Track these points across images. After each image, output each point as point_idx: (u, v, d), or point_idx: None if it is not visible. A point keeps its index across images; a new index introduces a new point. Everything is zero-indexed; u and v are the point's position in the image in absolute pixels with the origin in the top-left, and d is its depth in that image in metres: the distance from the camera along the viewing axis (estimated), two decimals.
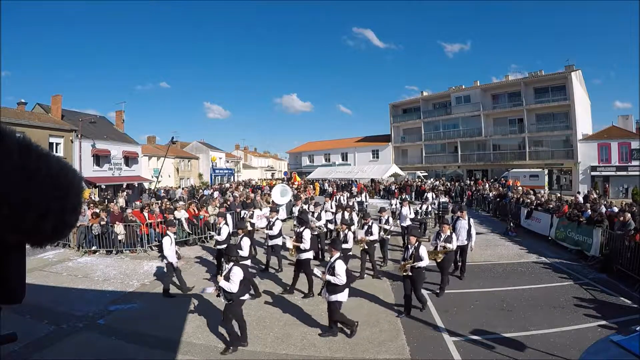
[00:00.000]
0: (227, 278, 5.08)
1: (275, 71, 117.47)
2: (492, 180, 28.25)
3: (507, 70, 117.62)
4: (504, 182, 24.89)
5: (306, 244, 7.31)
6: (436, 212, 14.28)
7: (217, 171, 43.70)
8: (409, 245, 6.34)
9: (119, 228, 11.23)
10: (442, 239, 7.30)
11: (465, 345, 5.20)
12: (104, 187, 25.87)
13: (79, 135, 24.56)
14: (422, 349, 5.19)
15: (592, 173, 27.76)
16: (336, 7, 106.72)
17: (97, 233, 11.28)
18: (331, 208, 12.16)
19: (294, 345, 5.37)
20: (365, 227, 8.57)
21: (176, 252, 7.45)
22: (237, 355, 5.14)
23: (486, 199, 20.12)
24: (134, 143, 30.97)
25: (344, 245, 7.56)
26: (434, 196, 16.39)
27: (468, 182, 27.41)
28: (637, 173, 24.94)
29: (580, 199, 15.95)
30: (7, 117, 20.08)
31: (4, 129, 0.49)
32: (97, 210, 12.43)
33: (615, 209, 11.31)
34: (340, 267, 5.27)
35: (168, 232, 7.57)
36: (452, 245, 7.27)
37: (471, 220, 8.44)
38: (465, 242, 8.29)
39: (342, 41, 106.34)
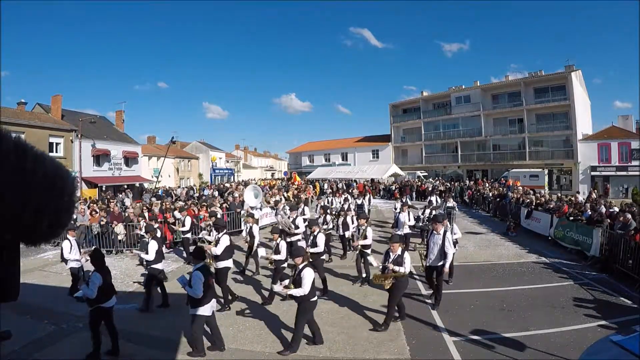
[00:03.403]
0: (87, 283, 4.89)
1: (273, 71, 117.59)
2: (492, 180, 28.26)
3: (506, 70, 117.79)
4: (504, 182, 24.89)
5: (218, 250, 6.77)
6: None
7: (217, 171, 43.73)
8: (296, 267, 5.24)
9: (119, 228, 11.24)
10: (390, 259, 5.88)
11: (465, 345, 5.20)
12: (105, 187, 25.88)
13: (79, 135, 24.56)
14: (422, 349, 5.19)
15: (592, 173, 27.76)
16: (332, 6, 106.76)
17: (96, 232, 11.31)
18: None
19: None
20: (311, 237, 7.43)
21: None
22: (237, 355, 5.14)
23: (486, 199, 20.13)
24: (134, 143, 30.96)
25: (276, 257, 6.79)
26: (438, 199, 14.81)
27: (467, 182, 27.42)
28: (637, 173, 24.95)
29: (580, 198, 15.94)
30: (7, 117, 20.07)
31: (1, 131, 0.49)
32: (97, 209, 12.46)
33: (616, 209, 11.30)
34: (196, 278, 4.80)
35: (68, 236, 7.35)
36: (404, 269, 5.74)
37: (449, 235, 6.63)
38: (439, 263, 6.51)
39: (340, 41, 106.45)
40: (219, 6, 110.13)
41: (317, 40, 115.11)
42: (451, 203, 14.02)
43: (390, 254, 5.95)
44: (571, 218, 11.16)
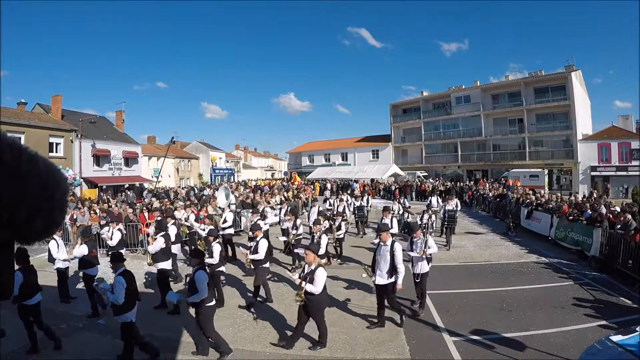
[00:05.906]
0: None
1: (272, 71, 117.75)
2: (492, 180, 28.27)
3: (506, 69, 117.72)
4: (504, 182, 24.91)
5: (152, 249, 6.88)
6: (442, 222, 11.42)
7: (217, 171, 43.76)
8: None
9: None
10: (304, 273, 5.13)
11: (465, 345, 5.20)
12: (105, 187, 25.88)
13: (79, 135, 24.58)
14: (422, 348, 5.19)
15: (592, 173, 27.76)
16: (330, 6, 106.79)
17: (96, 232, 11.29)
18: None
19: (294, 345, 5.37)
20: (253, 242, 6.84)
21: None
22: (237, 355, 5.14)
23: (486, 199, 20.14)
24: (134, 143, 30.97)
25: (208, 260, 6.31)
26: (440, 202, 13.33)
27: (468, 182, 27.42)
28: (637, 173, 24.94)
29: (580, 198, 15.92)
30: (7, 117, 20.08)
31: None
32: (97, 209, 12.47)
33: (617, 209, 11.30)
34: (118, 284, 4.72)
35: (55, 236, 7.21)
36: (314, 288, 4.86)
37: (397, 246, 5.66)
38: (388, 281, 5.58)
39: (338, 40, 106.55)
40: (218, 6, 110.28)
41: (316, 40, 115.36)
42: (450, 206, 11.50)
43: (305, 267, 5.15)
44: (570, 218, 11.17)
